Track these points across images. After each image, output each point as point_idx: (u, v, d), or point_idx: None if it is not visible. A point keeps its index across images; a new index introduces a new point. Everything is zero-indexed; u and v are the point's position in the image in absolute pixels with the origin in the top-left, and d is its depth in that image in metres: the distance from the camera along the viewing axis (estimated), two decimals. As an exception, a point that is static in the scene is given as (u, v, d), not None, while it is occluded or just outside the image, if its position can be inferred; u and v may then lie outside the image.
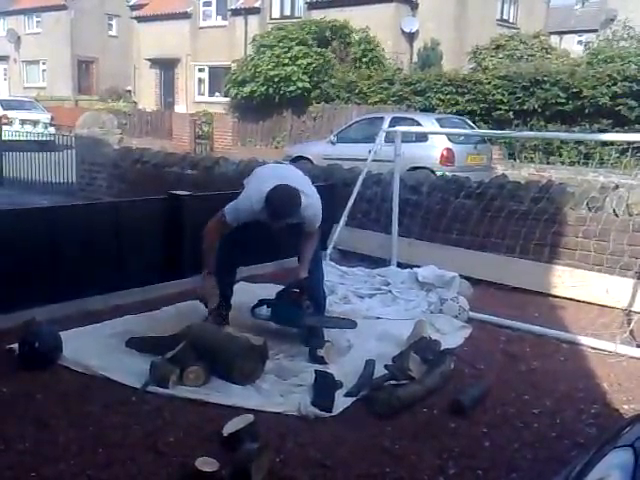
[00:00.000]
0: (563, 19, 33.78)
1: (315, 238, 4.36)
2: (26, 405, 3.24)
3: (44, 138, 17.32)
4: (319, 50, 20.01)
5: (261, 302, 4.35)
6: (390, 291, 5.40)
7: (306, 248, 4.30)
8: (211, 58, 26.51)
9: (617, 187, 6.21)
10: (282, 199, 3.95)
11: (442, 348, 4.08)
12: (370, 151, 6.47)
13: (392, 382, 3.54)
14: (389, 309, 5.08)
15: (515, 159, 15.66)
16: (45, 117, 21.67)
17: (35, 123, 20.58)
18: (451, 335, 4.56)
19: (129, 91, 31.27)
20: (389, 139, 6.68)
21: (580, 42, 30.46)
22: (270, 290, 4.84)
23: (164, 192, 5.79)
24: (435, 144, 11.32)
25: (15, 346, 3.76)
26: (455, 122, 13.13)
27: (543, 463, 2.91)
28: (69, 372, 3.64)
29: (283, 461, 2.83)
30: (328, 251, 6.20)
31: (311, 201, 4.13)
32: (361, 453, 2.94)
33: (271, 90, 20.09)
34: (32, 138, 17.31)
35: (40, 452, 2.82)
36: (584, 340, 4.52)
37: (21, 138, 16.56)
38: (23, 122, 20.33)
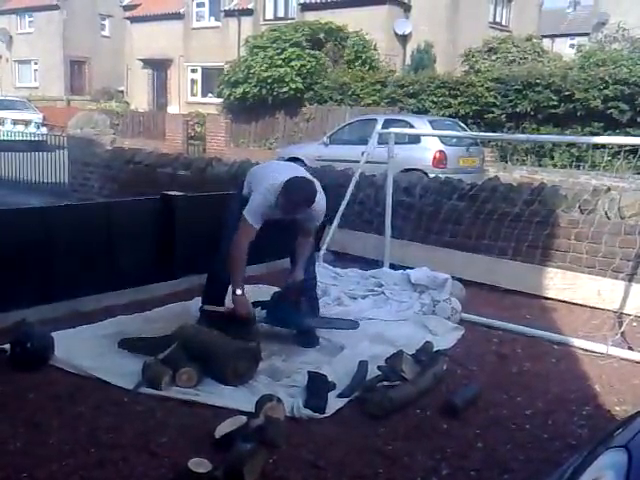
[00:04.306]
0: (555, 22, 33.92)
1: (311, 239, 4.36)
2: (18, 406, 3.23)
3: (36, 138, 17.25)
4: (312, 52, 20.02)
5: (255, 304, 4.33)
6: (383, 292, 5.40)
7: (302, 249, 4.29)
8: (204, 59, 26.45)
9: (609, 190, 6.24)
10: (302, 188, 3.96)
11: (435, 349, 4.09)
12: (363, 153, 6.48)
13: (385, 383, 3.55)
14: (382, 310, 5.08)
15: (507, 161, 15.71)
16: (37, 117, 21.58)
17: (27, 123, 20.49)
18: (444, 336, 4.57)
19: (121, 91, 31.16)
20: (382, 141, 6.68)
21: (572, 45, 30.56)
22: (262, 291, 4.84)
23: (157, 193, 5.77)
24: (428, 146, 11.35)
25: (7, 347, 3.74)
26: (448, 124, 13.16)
27: (535, 464, 2.92)
28: (61, 373, 3.63)
29: (276, 462, 2.82)
30: (321, 252, 6.20)
31: (320, 196, 4.16)
32: (354, 454, 2.94)
33: (264, 91, 20.07)
34: (24, 138, 17.24)
35: (32, 453, 2.81)
36: (576, 342, 4.54)
37: (13, 138, 16.51)
38: (15, 122, 20.25)
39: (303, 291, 4.29)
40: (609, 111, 15.35)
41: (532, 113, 16.46)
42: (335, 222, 6.30)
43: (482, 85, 17.08)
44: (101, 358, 3.79)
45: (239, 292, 4.05)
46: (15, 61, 36.08)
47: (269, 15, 24.87)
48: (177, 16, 27.44)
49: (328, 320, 4.53)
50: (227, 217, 4.40)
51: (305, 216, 4.13)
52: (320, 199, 4.13)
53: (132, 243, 5.21)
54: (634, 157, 11.82)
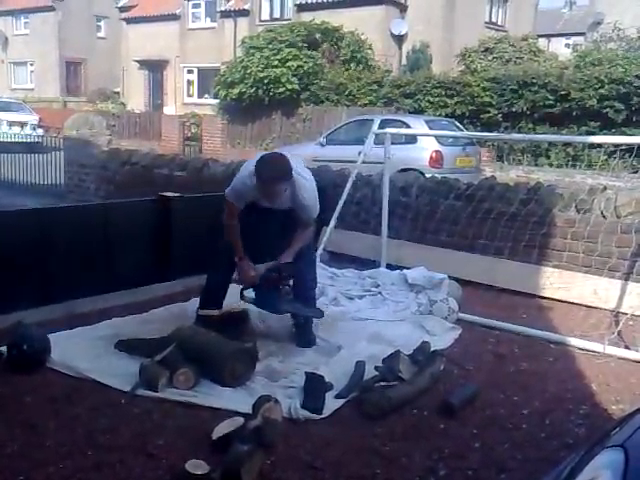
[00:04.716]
0: (551, 22, 33.99)
1: (309, 232, 4.34)
2: (14, 408, 3.22)
3: (32, 140, 17.22)
4: (309, 53, 20.02)
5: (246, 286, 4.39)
6: (380, 293, 5.41)
7: (298, 236, 4.23)
8: (200, 60, 26.45)
9: (605, 189, 6.24)
10: (272, 161, 4.04)
11: (432, 349, 4.09)
12: (360, 153, 6.48)
13: (382, 383, 3.55)
14: (378, 310, 5.09)
15: (503, 161, 15.73)
16: (33, 118, 21.54)
17: (23, 125, 20.46)
18: (441, 336, 4.57)
19: (117, 93, 31.14)
20: (378, 141, 6.68)
21: (568, 45, 30.67)
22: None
23: (153, 193, 5.77)
24: (424, 146, 11.33)
25: (3, 349, 3.74)
26: (444, 124, 13.15)
27: (533, 463, 2.93)
28: (58, 375, 3.62)
29: (273, 463, 2.83)
30: (318, 253, 6.18)
31: (307, 183, 4.15)
32: (351, 454, 2.94)
33: (260, 92, 20.07)
34: (20, 140, 17.21)
35: (29, 455, 2.80)
36: (573, 341, 4.55)
37: (9, 140, 16.48)
38: (11, 124, 20.20)
39: (285, 275, 4.23)
40: (605, 110, 15.39)
41: (528, 113, 16.49)
42: (332, 222, 6.29)
43: (478, 85, 17.10)
44: (98, 360, 3.79)
45: (239, 259, 4.22)
46: (11, 62, 36.05)
47: (265, 16, 24.85)
48: (173, 17, 27.43)
49: (298, 306, 4.48)
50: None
51: (294, 201, 4.10)
52: (299, 178, 4.10)
53: (129, 244, 5.20)
54: (630, 156, 11.82)
